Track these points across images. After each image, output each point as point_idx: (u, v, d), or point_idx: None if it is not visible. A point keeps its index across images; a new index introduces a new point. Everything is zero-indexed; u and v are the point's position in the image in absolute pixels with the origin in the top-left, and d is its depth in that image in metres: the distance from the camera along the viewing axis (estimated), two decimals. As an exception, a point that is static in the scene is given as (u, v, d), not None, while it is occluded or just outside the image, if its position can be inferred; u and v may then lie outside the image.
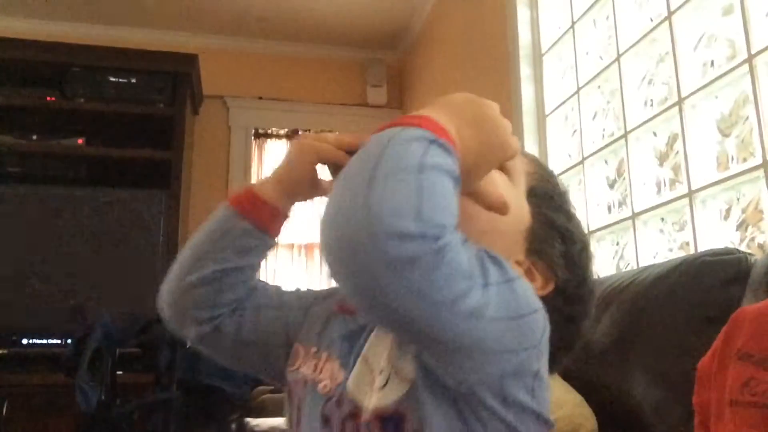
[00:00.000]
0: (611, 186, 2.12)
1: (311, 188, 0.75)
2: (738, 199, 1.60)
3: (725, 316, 1.17)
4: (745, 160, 1.58)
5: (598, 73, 2.17)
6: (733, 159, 1.63)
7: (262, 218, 0.73)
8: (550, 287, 0.69)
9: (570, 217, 0.74)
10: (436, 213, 0.48)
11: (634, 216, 1.93)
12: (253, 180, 3.98)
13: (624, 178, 2.03)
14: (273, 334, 0.75)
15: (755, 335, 0.77)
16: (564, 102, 2.36)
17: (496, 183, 0.65)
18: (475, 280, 0.50)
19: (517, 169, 0.71)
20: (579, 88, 2.27)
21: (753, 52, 1.51)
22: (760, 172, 1.48)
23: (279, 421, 1.88)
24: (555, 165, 2.39)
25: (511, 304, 0.53)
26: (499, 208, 0.63)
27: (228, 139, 3.94)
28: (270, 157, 4.06)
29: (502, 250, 0.59)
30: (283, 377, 0.74)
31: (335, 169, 0.72)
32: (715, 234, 1.64)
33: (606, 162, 2.13)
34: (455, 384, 0.54)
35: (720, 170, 1.66)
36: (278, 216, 0.74)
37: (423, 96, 3.84)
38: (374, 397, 0.61)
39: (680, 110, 1.75)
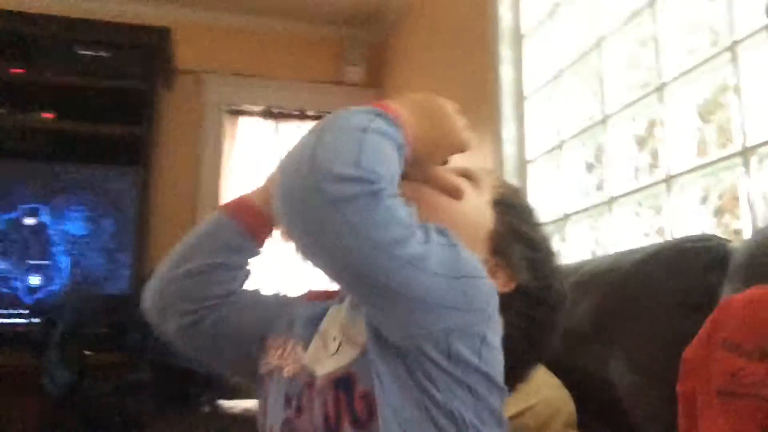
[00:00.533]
0: (588, 170, 2.12)
1: None
2: (716, 186, 1.61)
3: (704, 303, 1.18)
4: (724, 146, 1.58)
5: (579, 57, 2.15)
6: (712, 145, 1.63)
7: (248, 221, 0.78)
8: (512, 285, 0.72)
9: (534, 228, 0.77)
10: (374, 163, 0.54)
11: (611, 200, 1.93)
12: (226, 159, 3.91)
13: (602, 163, 2.03)
14: (249, 330, 0.78)
15: (743, 326, 0.77)
16: (544, 85, 2.35)
17: (455, 177, 0.72)
18: (414, 232, 0.55)
19: (482, 180, 0.76)
20: (560, 71, 2.26)
21: (736, 39, 1.51)
22: (739, 160, 1.48)
23: (253, 403, 1.86)
24: (533, 148, 2.38)
25: (454, 264, 0.57)
26: (454, 191, 0.69)
27: (201, 116, 3.87)
28: (243, 135, 4.00)
29: (465, 244, 0.62)
30: (256, 375, 0.77)
31: None
32: (692, 219, 1.65)
33: (584, 145, 2.13)
34: (401, 339, 0.57)
35: (700, 156, 1.66)
36: (263, 220, 0.78)
37: (401, 75, 3.80)
38: (327, 363, 0.65)
39: (661, 95, 1.75)
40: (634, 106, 1.87)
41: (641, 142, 1.89)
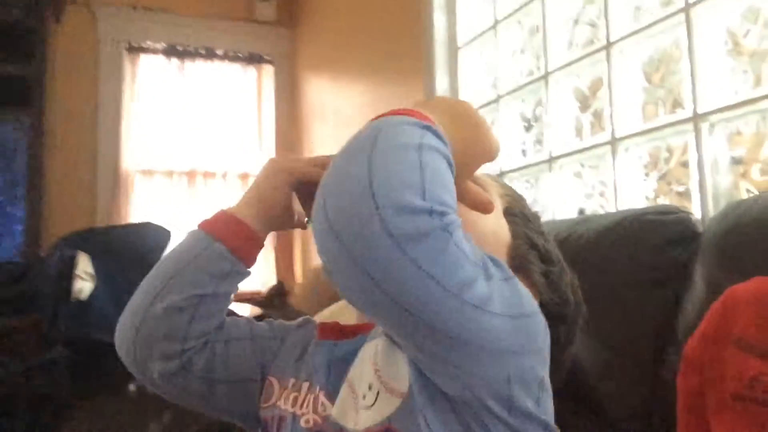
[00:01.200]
0: (527, 128, 2.08)
1: (286, 214, 0.70)
2: (663, 150, 1.61)
3: (669, 278, 1.18)
4: (674, 111, 1.57)
5: (519, 8, 2.08)
6: (660, 109, 1.62)
7: (237, 241, 0.66)
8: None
9: (547, 239, 0.71)
10: (440, 190, 0.46)
11: (551, 159, 1.91)
12: (127, 101, 3.60)
13: (540, 120, 1.99)
14: (247, 369, 0.68)
15: (754, 323, 0.75)
16: (479, 35, 2.27)
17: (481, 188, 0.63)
18: (479, 270, 0.48)
19: (490, 186, 0.68)
20: (497, 22, 2.18)
21: (691, 1, 1.48)
22: (689, 126, 1.47)
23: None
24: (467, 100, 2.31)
25: (513, 301, 0.50)
26: (485, 205, 0.61)
27: (97, 53, 3.52)
28: (146, 75, 3.69)
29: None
30: (256, 417, 0.67)
31: (307, 195, 0.68)
32: (636, 183, 1.65)
33: (523, 101, 2.08)
34: (457, 389, 0.50)
35: (646, 119, 1.65)
36: (254, 240, 0.68)
37: (317, 15, 3.60)
38: (362, 417, 0.56)
39: (608, 55, 1.71)
40: (578, 64, 1.83)
41: (584, 101, 1.86)
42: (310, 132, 3.77)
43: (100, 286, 1.78)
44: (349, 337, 0.65)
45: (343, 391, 0.60)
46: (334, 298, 2.25)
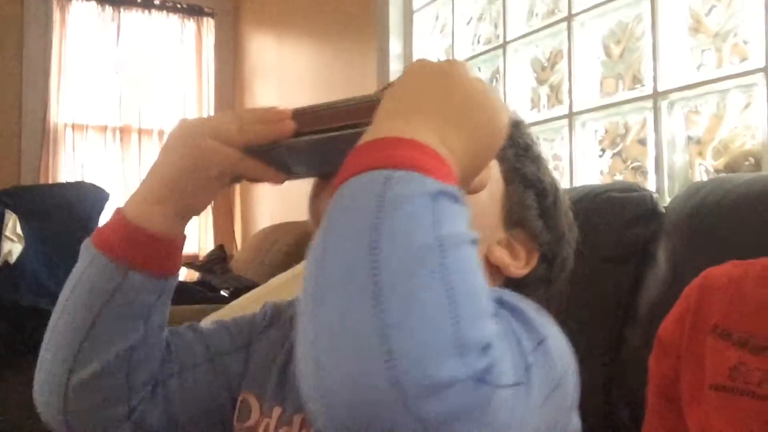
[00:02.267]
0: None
1: (206, 200, 0.54)
2: (621, 126, 1.61)
3: (631, 256, 1.18)
4: (633, 87, 1.57)
5: (478, -27, 2.03)
6: (620, 84, 1.62)
7: (157, 262, 0.51)
8: (535, 259, 0.61)
9: (536, 159, 0.63)
10: (477, 320, 0.33)
11: (507, 131, 1.89)
12: (55, 51, 3.36)
13: (498, 90, 1.97)
14: (211, 397, 0.57)
15: (731, 310, 0.74)
16: (436, -1, 2.21)
17: None
18: (522, 387, 0.36)
19: None
20: (454, -13, 2.13)
21: (656, -25, 1.47)
22: (649, 103, 1.47)
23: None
24: (421, 67, 2.26)
25: (548, 375, 0.40)
26: (481, 188, 0.49)
27: (21, -2, 3.27)
28: (76, 24, 3.46)
29: (484, 236, 0.51)
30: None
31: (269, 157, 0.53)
32: (591, 158, 1.65)
33: (479, 69, 2.05)
34: None
35: (604, 94, 1.64)
36: (177, 250, 0.54)
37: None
38: None
39: (569, 26, 1.69)
40: (537, 34, 1.81)
41: (542, 73, 1.85)
42: (252, 91, 3.64)
43: (30, 248, 1.66)
44: None
45: None
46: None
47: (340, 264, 0.33)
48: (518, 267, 0.60)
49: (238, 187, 3.77)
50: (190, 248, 3.62)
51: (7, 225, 1.60)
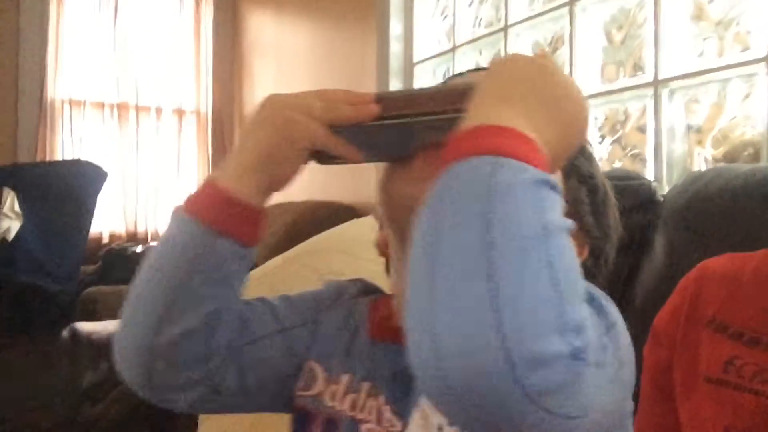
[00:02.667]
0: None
1: (292, 173, 0.55)
2: (621, 113, 1.61)
3: (629, 244, 1.18)
4: (634, 74, 1.57)
5: (481, -45, 2.01)
6: (620, 71, 1.61)
7: (246, 230, 0.53)
8: (585, 253, 0.63)
9: (589, 157, 0.65)
10: (576, 303, 0.36)
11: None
12: (52, 27, 3.32)
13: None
14: (281, 366, 0.59)
15: (727, 303, 0.75)
16: (438, -19, 2.20)
17: None
18: (601, 366, 0.39)
19: None
20: (456, -32, 2.11)
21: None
22: (649, 91, 1.47)
23: (115, 324, 1.66)
24: (422, 49, 2.25)
25: (615, 356, 0.42)
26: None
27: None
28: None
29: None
30: (286, 403, 0.59)
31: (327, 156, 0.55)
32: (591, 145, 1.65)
33: (480, 53, 2.04)
34: None
35: (605, 80, 1.64)
36: (263, 220, 0.55)
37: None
38: None
39: (571, 11, 1.68)
40: (539, 19, 1.80)
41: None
42: (251, 69, 3.62)
43: (28, 225, 1.66)
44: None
45: (416, 416, 0.53)
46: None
47: (455, 247, 0.36)
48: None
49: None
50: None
51: (5, 202, 1.59)
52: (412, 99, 0.50)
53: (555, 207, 0.37)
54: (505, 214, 0.36)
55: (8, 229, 1.60)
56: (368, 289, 0.65)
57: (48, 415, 1.36)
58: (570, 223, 0.38)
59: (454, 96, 0.47)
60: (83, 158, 3.34)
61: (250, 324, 0.58)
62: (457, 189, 0.37)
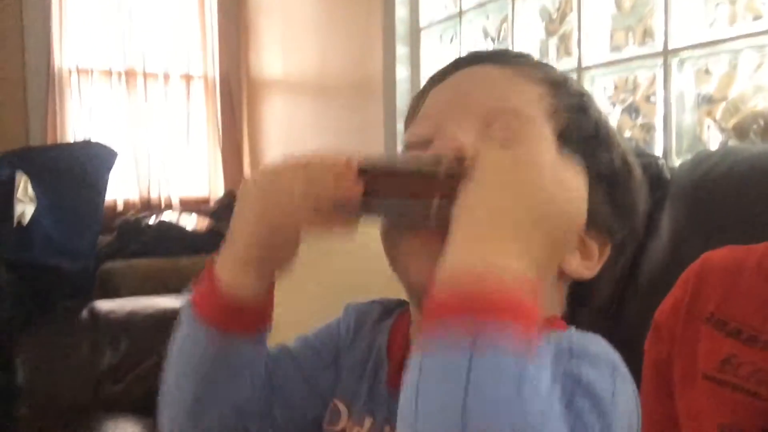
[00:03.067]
0: (490, 46, 2.02)
1: (291, 253, 0.54)
2: (630, 82, 1.58)
3: (634, 223, 1.19)
4: (644, 41, 1.54)
5: None
6: (630, 38, 1.58)
7: (259, 324, 0.55)
8: (607, 252, 0.57)
9: (605, 140, 0.57)
10: None
11: (515, 83, 1.86)
12: (55, 22, 3.28)
13: (505, 40, 1.93)
14: (309, 408, 0.60)
15: (727, 299, 0.75)
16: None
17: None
18: None
19: (536, 129, 0.52)
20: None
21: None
22: (659, 60, 1.45)
23: (134, 302, 1.71)
24: (428, 12, 2.21)
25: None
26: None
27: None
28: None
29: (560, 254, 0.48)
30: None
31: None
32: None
33: (488, 17, 2.01)
34: None
35: (614, 47, 1.61)
36: (270, 307, 0.55)
37: None
38: None
39: (580, -24, 1.64)
40: (547, -17, 1.76)
41: (551, 24, 1.80)
42: (257, 33, 3.58)
43: (42, 207, 1.69)
44: None
45: None
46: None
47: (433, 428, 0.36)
48: (591, 268, 0.56)
49: (245, 128, 3.75)
50: (200, 192, 3.64)
51: (18, 187, 1.62)
52: (399, 181, 0.48)
53: (538, 390, 0.36)
54: (481, 414, 0.35)
55: (23, 213, 1.62)
56: (389, 307, 0.64)
57: (70, 394, 1.41)
58: (557, 389, 0.38)
59: (442, 181, 0.45)
60: (94, 128, 3.38)
61: (278, 384, 0.59)
62: (433, 379, 0.37)
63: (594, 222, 0.53)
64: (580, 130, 0.55)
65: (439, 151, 0.49)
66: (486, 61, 0.57)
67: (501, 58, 0.58)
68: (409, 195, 0.47)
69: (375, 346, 0.60)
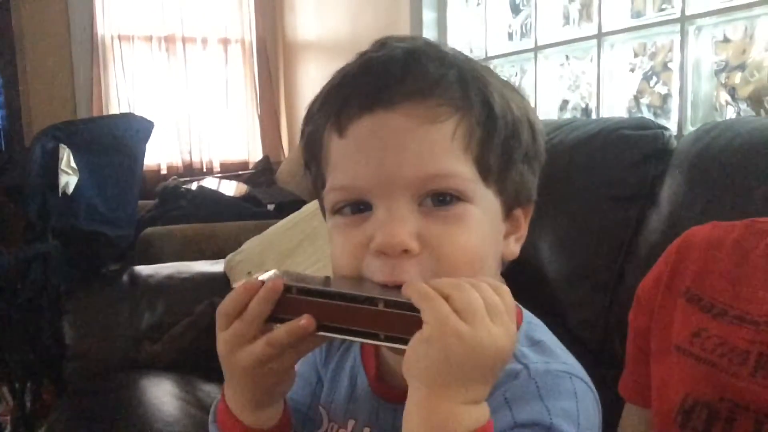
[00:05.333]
0: (515, 12, 2.01)
1: (289, 379, 0.55)
2: (650, 46, 1.58)
3: (638, 194, 1.20)
4: (662, 6, 1.52)
5: None
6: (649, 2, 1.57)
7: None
8: (530, 212, 0.59)
9: (521, 122, 0.55)
10: None
11: (537, 48, 1.87)
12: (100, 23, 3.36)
13: (529, 5, 1.92)
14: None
15: (703, 274, 0.77)
16: None
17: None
18: None
19: (468, 191, 0.52)
20: None
21: None
22: (676, 27, 1.44)
23: (170, 267, 1.81)
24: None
25: None
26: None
27: None
28: None
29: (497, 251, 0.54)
30: None
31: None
32: (619, 80, 1.64)
33: (511, -17, 2.00)
34: None
35: (634, 13, 1.60)
36: (288, 419, 0.58)
37: None
38: None
39: (600, -59, 1.62)
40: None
41: (574, -10, 1.79)
42: (292, -6, 3.60)
43: (84, 178, 1.79)
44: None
45: None
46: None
47: None
48: (521, 237, 0.58)
49: (282, 91, 3.81)
50: (239, 155, 3.74)
51: (62, 159, 1.72)
52: (349, 314, 0.48)
53: None
54: None
55: (67, 183, 1.73)
56: None
57: (113, 353, 1.52)
58: None
59: (389, 318, 0.46)
60: (135, 94, 3.49)
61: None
62: None
63: (525, 198, 0.57)
64: (494, 132, 0.53)
65: (385, 246, 0.49)
66: (381, 105, 0.50)
67: (396, 96, 0.50)
68: (359, 330, 0.47)
69: (348, 356, 0.62)
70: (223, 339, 0.50)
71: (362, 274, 0.51)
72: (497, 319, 0.44)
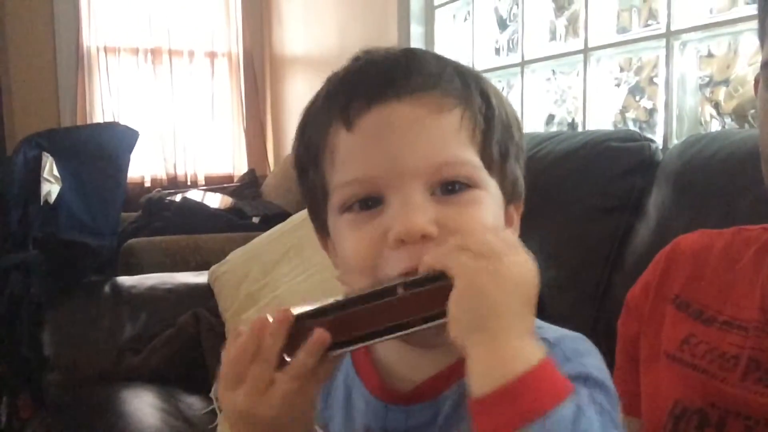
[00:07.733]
0: (502, 27, 2.03)
1: (310, 412, 0.52)
2: (635, 62, 1.59)
3: (625, 205, 1.21)
4: (648, 23, 1.54)
5: None
6: (635, 18, 1.59)
7: None
8: (522, 206, 0.60)
9: (510, 121, 0.57)
10: None
11: (524, 63, 1.88)
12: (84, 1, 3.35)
13: (516, 21, 1.94)
14: None
15: (692, 281, 0.77)
16: None
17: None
18: None
19: (476, 177, 0.53)
20: None
21: None
22: (661, 42, 1.45)
23: (153, 278, 1.79)
24: (441, -7, 2.23)
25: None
26: None
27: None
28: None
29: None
30: None
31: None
32: (604, 94, 1.65)
33: (499, -1, 2.02)
34: None
35: (620, 27, 1.62)
36: None
37: None
38: None
39: (587, -42, 1.64)
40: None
41: (560, 3, 1.81)
42: (279, 9, 3.61)
43: (67, 187, 1.77)
44: (425, 398, 0.54)
45: None
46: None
47: None
48: (517, 230, 0.58)
49: (268, 105, 3.81)
50: (224, 169, 3.72)
51: (44, 167, 1.70)
52: (361, 318, 0.46)
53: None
54: None
55: (49, 192, 1.71)
56: None
57: (94, 365, 1.50)
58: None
59: (396, 307, 0.45)
60: (121, 106, 3.47)
61: None
62: None
63: (518, 194, 0.58)
64: (493, 124, 0.54)
65: (400, 227, 0.49)
66: (389, 97, 0.51)
67: (403, 89, 0.51)
68: (373, 331, 0.46)
69: (339, 373, 0.60)
70: (241, 395, 0.46)
71: (379, 269, 0.50)
72: (515, 250, 0.45)
